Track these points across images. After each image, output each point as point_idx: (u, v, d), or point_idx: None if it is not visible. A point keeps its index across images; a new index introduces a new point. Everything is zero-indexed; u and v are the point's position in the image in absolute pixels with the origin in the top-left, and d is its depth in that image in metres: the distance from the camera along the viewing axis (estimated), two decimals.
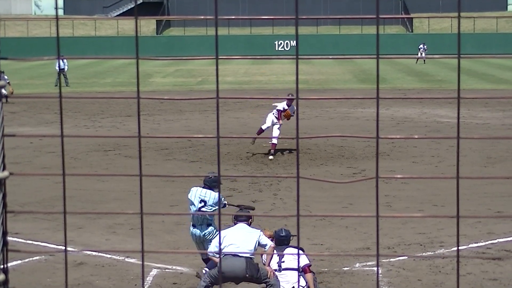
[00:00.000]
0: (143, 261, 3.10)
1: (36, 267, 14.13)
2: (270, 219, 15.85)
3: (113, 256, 14.62)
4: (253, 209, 13.85)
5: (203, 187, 13.55)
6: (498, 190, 19.43)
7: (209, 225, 13.57)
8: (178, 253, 15.59)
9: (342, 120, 32.25)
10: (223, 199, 13.95)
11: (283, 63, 64.65)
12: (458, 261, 3.04)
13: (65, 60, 48.83)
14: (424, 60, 64.46)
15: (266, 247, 12.09)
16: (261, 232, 12.23)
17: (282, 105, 24.06)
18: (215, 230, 13.52)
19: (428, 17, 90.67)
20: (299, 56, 2.89)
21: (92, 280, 13.49)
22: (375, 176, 3.02)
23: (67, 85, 47.16)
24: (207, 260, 13.31)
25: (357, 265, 14.15)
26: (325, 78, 53.28)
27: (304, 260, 11.93)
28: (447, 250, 14.92)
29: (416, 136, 28.37)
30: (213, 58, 2.97)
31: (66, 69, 48.69)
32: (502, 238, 15.63)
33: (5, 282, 2.78)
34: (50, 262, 14.35)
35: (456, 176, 3.02)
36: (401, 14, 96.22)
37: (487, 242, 15.34)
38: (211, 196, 13.46)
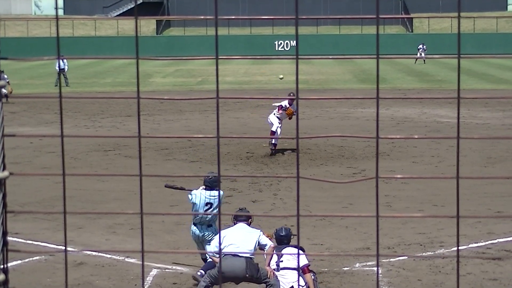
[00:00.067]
0: (143, 261, 3.10)
1: (36, 267, 14.13)
2: (270, 219, 15.85)
3: (113, 256, 14.62)
4: (183, 189, 13.83)
5: (205, 189, 13.54)
6: (498, 190, 19.43)
7: (209, 226, 13.58)
8: (178, 253, 15.58)
9: (342, 120, 32.25)
10: (212, 200, 13.85)
11: (283, 63, 64.65)
12: (458, 261, 3.04)
13: (65, 60, 48.81)
14: (424, 60, 64.45)
15: (266, 247, 12.09)
16: (261, 232, 12.23)
17: (284, 103, 24.09)
18: (215, 231, 13.52)
19: (428, 17, 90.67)
20: (299, 56, 2.89)
21: (92, 280, 13.49)
22: (375, 176, 3.02)
23: (67, 85, 47.16)
24: (206, 259, 13.33)
25: (357, 265, 14.15)
26: (325, 78, 53.28)
27: (303, 260, 11.92)
28: (447, 250, 14.92)
29: (416, 136, 28.37)
30: (213, 58, 2.97)
31: (66, 69, 48.69)
32: (502, 238, 15.63)
33: (5, 282, 2.78)
34: (50, 262, 14.35)
35: (456, 176, 3.02)
36: (401, 14, 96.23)
37: (487, 242, 15.34)
38: (216, 197, 13.46)
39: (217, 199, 13.47)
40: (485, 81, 48.86)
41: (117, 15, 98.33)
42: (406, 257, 14.33)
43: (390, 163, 22.95)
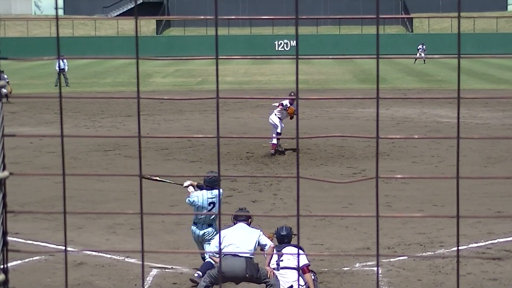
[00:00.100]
0: (143, 261, 3.10)
1: (36, 267, 14.13)
2: (270, 219, 15.85)
3: (113, 256, 14.62)
4: (162, 181, 13.86)
5: (206, 189, 13.56)
6: (498, 190, 19.43)
7: (210, 225, 13.60)
8: (178, 253, 15.59)
9: (342, 120, 32.25)
10: (215, 200, 13.87)
11: (283, 63, 64.65)
12: (458, 261, 3.04)
13: (65, 60, 48.84)
14: (424, 60, 64.46)
15: (266, 247, 12.09)
16: (261, 232, 12.23)
17: (285, 103, 24.06)
18: (214, 231, 13.53)
19: (428, 17, 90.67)
20: (299, 56, 2.89)
21: (92, 280, 13.49)
22: (375, 176, 3.02)
23: (67, 85, 47.16)
24: (205, 259, 13.36)
25: (357, 265, 14.15)
26: (325, 78, 53.28)
27: (303, 260, 11.92)
28: (447, 250, 14.92)
29: (416, 136, 28.37)
30: (213, 58, 2.97)
31: (66, 69, 48.69)
32: (502, 238, 15.63)
33: (5, 282, 2.78)
34: (50, 262, 14.35)
35: (456, 176, 3.02)
36: (401, 14, 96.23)
37: (487, 242, 15.34)
38: (216, 198, 13.52)
39: (216, 199, 13.54)
40: (485, 81, 48.86)
41: (117, 15, 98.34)
42: (406, 257, 14.33)
43: (390, 163, 22.95)
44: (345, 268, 13.94)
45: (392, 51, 76.33)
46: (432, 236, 15.73)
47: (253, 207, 17.54)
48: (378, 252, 3.00)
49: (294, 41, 79.66)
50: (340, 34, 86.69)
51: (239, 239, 11.98)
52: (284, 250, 12.05)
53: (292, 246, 12.09)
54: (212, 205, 13.52)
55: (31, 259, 14.38)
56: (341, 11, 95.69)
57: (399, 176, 22.60)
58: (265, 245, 12.10)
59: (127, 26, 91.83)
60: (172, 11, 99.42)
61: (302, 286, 12.10)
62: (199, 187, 13.85)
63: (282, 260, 12.01)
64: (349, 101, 36.74)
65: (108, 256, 14.66)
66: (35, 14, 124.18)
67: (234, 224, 12.38)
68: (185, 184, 13.85)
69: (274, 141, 24.04)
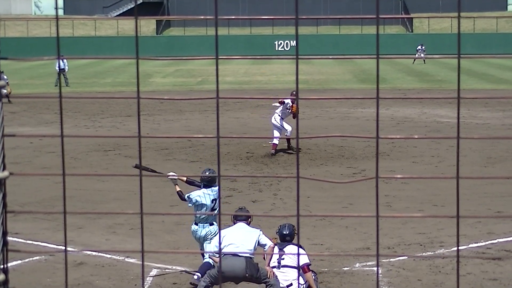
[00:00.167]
0: (143, 261, 3.10)
1: (36, 267, 14.13)
2: (270, 219, 15.85)
3: (113, 256, 14.62)
4: (154, 171, 13.86)
5: (206, 188, 13.58)
6: (498, 190, 19.43)
7: (211, 224, 13.62)
8: (178, 253, 15.58)
9: (342, 120, 32.25)
10: (216, 196, 13.90)
11: (283, 63, 64.66)
12: (458, 261, 3.04)
13: (65, 60, 48.83)
14: (424, 60, 64.47)
15: (266, 247, 12.10)
16: (261, 232, 12.23)
17: (287, 101, 24.00)
18: (216, 230, 13.54)
19: (428, 17, 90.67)
20: (299, 56, 2.89)
21: (92, 280, 13.49)
22: (375, 176, 3.02)
23: (67, 85, 47.16)
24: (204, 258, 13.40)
25: (357, 265, 14.15)
26: (325, 78, 53.28)
27: (303, 260, 11.93)
28: (447, 250, 14.92)
29: (416, 136, 28.38)
30: (213, 58, 2.97)
31: (66, 70, 48.70)
32: (502, 238, 15.63)
33: (5, 282, 2.78)
34: (50, 262, 14.35)
35: (456, 176, 3.02)
36: (401, 14, 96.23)
37: (487, 242, 15.34)
38: (217, 194, 13.61)
39: (216, 195, 13.62)
40: (485, 81, 48.86)
41: (117, 15, 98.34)
42: (406, 257, 14.33)
43: (390, 163, 22.95)
44: (345, 268, 13.94)
45: (392, 51, 76.34)
46: (432, 236, 15.73)
47: (253, 207, 17.54)
48: (378, 252, 3.00)
49: (294, 41, 79.66)
50: (340, 34, 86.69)
51: (239, 239, 11.98)
52: (285, 249, 12.05)
53: (294, 245, 12.09)
54: (214, 201, 13.58)
55: (31, 259, 14.38)
56: (341, 11, 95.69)
57: (399, 176, 22.60)
58: (265, 245, 12.10)
59: (127, 26, 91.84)
60: (172, 11, 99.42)
61: (302, 285, 12.11)
62: (190, 183, 13.89)
63: (283, 259, 12.01)
64: (349, 101, 36.74)
65: (108, 256, 14.66)
66: (35, 14, 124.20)
67: (234, 223, 12.38)
68: (170, 174, 13.84)
69: (275, 141, 24.03)
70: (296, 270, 11.95)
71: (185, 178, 13.98)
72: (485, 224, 16.36)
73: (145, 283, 13.35)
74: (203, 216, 13.45)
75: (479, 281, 13.21)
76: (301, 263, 11.94)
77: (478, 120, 31.46)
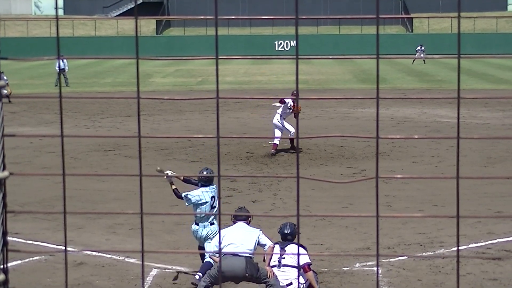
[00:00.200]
0: (143, 261, 3.10)
1: (36, 267, 14.13)
2: (270, 219, 15.85)
3: (113, 256, 14.62)
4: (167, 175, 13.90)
5: (203, 186, 13.65)
6: (498, 190, 19.43)
7: (212, 224, 13.65)
8: (178, 253, 15.59)
9: (342, 120, 32.25)
10: (214, 193, 13.96)
11: (283, 63, 64.66)
12: (458, 261, 3.04)
13: (65, 60, 48.83)
14: (424, 60, 64.48)
15: (265, 246, 12.10)
16: (261, 231, 12.24)
17: (288, 101, 23.98)
18: (217, 229, 13.56)
19: (428, 17, 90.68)
20: (299, 56, 2.89)
21: (92, 280, 13.49)
22: (375, 176, 3.02)
23: (67, 85, 47.16)
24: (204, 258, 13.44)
25: (357, 265, 14.15)
26: (325, 78, 53.29)
27: (304, 259, 11.92)
28: (447, 250, 14.92)
29: (416, 136, 28.38)
30: (213, 58, 2.97)
31: (66, 69, 48.70)
32: (502, 238, 15.63)
33: (5, 282, 2.78)
34: (50, 262, 14.35)
35: (456, 176, 3.02)
36: (401, 14, 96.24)
37: (487, 242, 15.34)
38: (215, 189, 13.69)
39: (215, 192, 13.73)
40: (485, 81, 48.86)
41: (117, 15, 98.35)
42: (406, 257, 14.33)
43: (390, 163, 22.95)
44: (345, 268, 13.94)
45: (392, 51, 76.35)
46: (432, 236, 15.73)
47: (253, 207, 17.54)
48: (378, 252, 3.00)
49: (294, 41, 79.67)
50: (340, 34, 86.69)
51: (239, 239, 11.98)
52: (287, 248, 12.04)
53: (296, 244, 12.07)
54: (213, 198, 13.66)
55: (31, 259, 14.38)
56: (341, 11, 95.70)
57: (399, 176, 22.60)
58: (265, 245, 12.10)
59: (127, 26, 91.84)
60: (172, 11, 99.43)
61: (302, 284, 12.11)
62: (187, 181, 13.94)
63: (284, 258, 12.01)
64: (349, 101, 36.74)
65: (108, 256, 14.66)
66: (35, 14, 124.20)
67: (234, 223, 12.39)
68: (168, 172, 13.85)
69: (276, 141, 24.02)
70: (296, 270, 11.95)
71: (182, 177, 14.02)
72: (485, 224, 16.36)
73: (145, 283, 13.35)
74: (204, 215, 13.50)
75: (479, 281, 13.21)
76: (302, 263, 11.94)
77: (478, 120, 31.46)
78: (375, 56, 2.94)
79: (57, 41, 3.05)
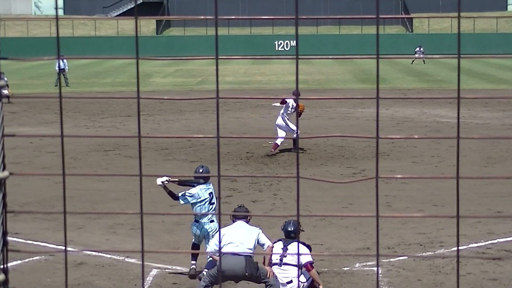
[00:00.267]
0: (143, 261, 3.10)
1: (36, 267, 14.13)
2: (270, 219, 15.85)
3: (113, 256, 14.62)
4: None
5: (201, 184, 13.74)
6: (498, 190, 19.43)
7: (211, 221, 13.70)
8: (178, 253, 15.58)
9: (342, 120, 32.25)
10: (212, 190, 14.01)
11: (283, 63, 64.66)
12: (458, 261, 3.04)
13: (65, 60, 48.83)
14: (424, 61, 64.48)
15: (264, 246, 12.09)
16: (260, 230, 12.24)
17: (292, 102, 23.98)
18: (215, 227, 13.60)
19: (428, 17, 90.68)
20: (299, 56, 2.89)
21: (92, 280, 13.49)
22: (375, 176, 3.02)
23: (67, 85, 47.16)
24: (195, 246, 13.60)
25: (357, 265, 14.14)
26: (325, 78, 53.29)
27: (306, 258, 11.91)
28: (447, 250, 14.92)
29: (416, 136, 28.38)
30: (213, 58, 2.97)
31: (66, 70, 48.69)
32: (502, 238, 15.62)
33: (5, 282, 2.78)
34: (50, 262, 14.35)
35: (456, 176, 3.02)
36: (401, 14, 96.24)
37: (487, 242, 15.34)
38: (211, 187, 13.74)
39: (212, 188, 13.82)
40: (485, 81, 48.86)
41: (117, 15, 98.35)
42: (406, 257, 14.33)
43: (390, 163, 22.95)
44: (345, 268, 13.94)
45: (392, 51, 76.35)
46: (432, 236, 15.73)
47: (253, 207, 17.54)
48: (378, 252, 3.00)
49: (294, 41, 79.68)
50: (340, 34, 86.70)
51: (238, 238, 11.98)
52: (290, 246, 12.02)
53: (299, 242, 12.06)
54: (211, 195, 13.72)
55: (31, 259, 14.38)
56: (341, 11, 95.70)
57: (399, 176, 22.60)
58: (264, 244, 12.10)
59: (127, 26, 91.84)
60: (172, 11, 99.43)
61: (303, 283, 12.11)
62: (183, 184, 13.97)
63: (285, 256, 12.00)
64: (349, 101, 36.74)
65: (108, 256, 14.66)
66: (35, 14, 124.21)
67: (233, 222, 12.40)
68: (158, 182, 13.85)
69: (278, 141, 24.01)
70: (297, 268, 11.96)
71: (177, 180, 14.03)
72: (485, 224, 16.36)
73: (145, 283, 13.35)
74: (204, 211, 13.58)
75: (479, 281, 13.21)
76: (304, 261, 11.93)
77: (478, 120, 31.46)
78: (375, 56, 2.94)
79: (57, 41, 3.06)
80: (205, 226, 13.66)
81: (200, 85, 49.42)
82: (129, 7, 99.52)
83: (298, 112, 23.83)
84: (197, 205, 13.68)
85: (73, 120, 32.60)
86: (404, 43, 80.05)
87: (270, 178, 20.67)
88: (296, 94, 23.99)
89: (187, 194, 13.63)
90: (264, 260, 12.30)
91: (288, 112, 24.13)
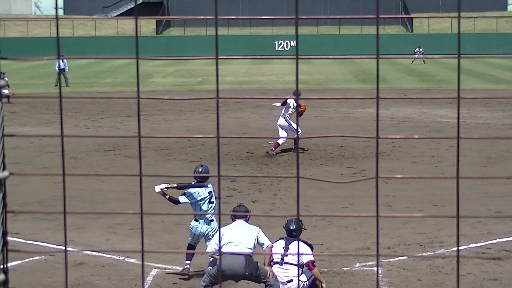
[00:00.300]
0: (143, 261, 3.10)
1: (36, 267, 14.13)
2: (270, 219, 15.85)
3: (113, 256, 14.62)
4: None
5: (201, 183, 13.76)
6: (498, 190, 19.43)
7: (211, 220, 13.71)
8: (178, 253, 15.58)
9: (342, 120, 32.25)
10: (211, 189, 14.04)
11: (283, 63, 64.66)
12: (458, 261, 3.04)
13: (65, 60, 48.82)
14: (424, 61, 64.48)
15: (264, 246, 12.08)
16: (260, 229, 12.23)
17: (292, 102, 23.97)
18: (215, 227, 13.61)
19: (428, 17, 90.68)
20: (299, 56, 2.89)
21: (92, 280, 13.49)
22: (375, 176, 3.02)
23: (67, 85, 47.16)
24: (190, 247, 13.63)
25: (357, 265, 14.14)
26: (325, 78, 53.29)
27: (308, 257, 11.90)
28: (447, 250, 14.92)
29: (416, 136, 28.38)
30: (213, 58, 2.97)
31: (66, 69, 48.69)
32: (502, 238, 15.62)
33: (5, 282, 2.78)
34: (50, 262, 14.35)
35: (456, 176, 3.02)
36: (401, 14, 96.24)
37: (487, 242, 15.34)
38: (210, 186, 13.79)
39: (211, 188, 13.84)
40: (485, 81, 48.86)
41: (117, 15, 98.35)
42: (406, 257, 14.33)
43: (390, 163, 22.94)
44: (345, 268, 13.94)
45: (392, 51, 76.35)
46: (432, 236, 15.73)
47: (253, 207, 17.53)
48: (378, 252, 3.00)
49: (294, 41, 79.67)
50: (340, 34, 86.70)
51: (238, 237, 11.98)
52: (291, 245, 12.01)
53: (299, 241, 12.03)
54: (210, 193, 13.74)
55: (31, 259, 14.38)
56: (341, 11, 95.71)
57: (399, 176, 22.60)
58: (263, 244, 12.08)
59: (127, 26, 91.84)
60: (172, 11, 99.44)
61: (303, 282, 12.10)
62: (182, 188, 13.97)
63: (287, 255, 11.99)
64: (349, 101, 36.74)
65: (108, 256, 14.66)
66: (35, 14, 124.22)
67: (233, 221, 12.40)
68: (157, 190, 13.89)
69: (280, 141, 24.02)
70: (297, 268, 11.95)
71: (174, 185, 14.04)
72: (485, 224, 16.35)
73: (145, 283, 13.35)
74: (203, 210, 13.61)
75: (479, 281, 13.21)
76: (305, 261, 11.92)
77: (478, 120, 31.46)
78: (375, 56, 2.94)
79: (57, 41, 3.06)
80: (204, 226, 13.67)
81: (200, 85, 49.42)
82: (129, 7, 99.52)
83: (299, 112, 23.96)
84: (196, 204, 13.70)
85: (73, 120, 32.60)
86: (404, 43, 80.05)
87: (270, 178, 20.66)
88: (297, 94, 23.94)
89: (187, 193, 13.67)
90: (264, 260, 12.29)
91: (290, 112, 24.13)
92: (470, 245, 15.10)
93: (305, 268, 12.10)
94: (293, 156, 23.96)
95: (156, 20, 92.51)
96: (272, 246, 12.09)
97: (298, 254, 12.32)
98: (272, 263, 12.13)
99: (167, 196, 13.73)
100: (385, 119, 31.41)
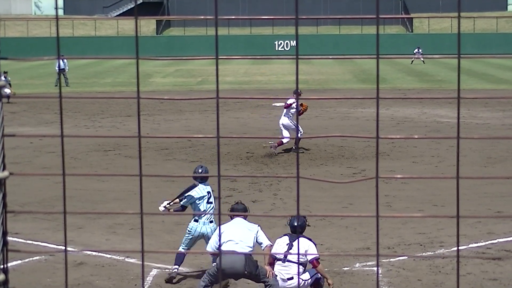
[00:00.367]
0: (143, 261, 3.10)
1: (36, 267, 14.13)
2: (270, 219, 15.85)
3: (113, 256, 14.62)
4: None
5: (200, 183, 13.79)
6: (498, 190, 19.43)
7: (211, 221, 13.73)
8: (178, 253, 15.57)
9: (342, 120, 32.25)
10: (209, 189, 14.08)
11: (283, 63, 64.66)
12: (458, 261, 3.04)
13: (65, 60, 48.82)
14: (424, 61, 64.49)
15: (262, 245, 12.07)
16: (259, 228, 12.22)
17: (291, 102, 23.98)
18: (215, 228, 13.62)
19: (428, 17, 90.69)
20: (299, 56, 2.89)
21: (92, 280, 13.49)
22: (375, 176, 3.02)
23: (67, 85, 47.16)
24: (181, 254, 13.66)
25: (357, 265, 14.14)
26: (325, 78, 53.29)
27: (313, 254, 11.87)
28: (447, 250, 14.92)
29: (416, 136, 28.38)
30: (213, 58, 2.97)
31: (66, 69, 48.69)
32: (502, 238, 15.62)
33: (5, 282, 2.78)
34: (50, 262, 14.35)
35: (456, 176, 3.02)
36: (401, 14, 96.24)
37: (487, 242, 15.33)
38: (210, 187, 13.87)
39: (210, 188, 13.91)
40: (485, 81, 48.86)
41: (117, 15, 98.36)
42: (406, 257, 14.32)
43: (390, 163, 22.94)
44: (345, 268, 13.94)
45: (392, 51, 76.36)
46: (432, 236, 15.73)
47: (253, 207, 17.53)
48: (378, 252, 3.00)
49: (294, 41, 79.68)
50: (340, 34, 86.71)
51: (238, 235, 11.97)
52: (295, 243, 11.99)
53: (305, 238, 11.99)
54: (209, 193, 13.77)
55: (31, 259, 14.37)
56: (341, 11, 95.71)
57: (399, 176, 22.60)
58: (262, 243, 12.07)
59: (127, 26, 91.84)
60: (172, 11, 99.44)
61: (305, 280, 12.08)
62: (181, 195, 13.99)
63: (289, 253, 11.98)
64: (349, 101, 36.74)
65: (108, 256, 14.66)
66: (35, 14, 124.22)
67: (232, 219, 12.40)
68: (161, 209, 13.97)
69: (285, 140, 24.05)
70: (300, 266, 11.94)
71: (176, 199, 14.05)
72: (485, 224, 16.35)
73: (145, 283, 13.35)
74: (203, 210, 13.63)
75: (479, 281, 13.21)
76: (310, 258, 11.89)
77: (478, 120, 31.46)
78: (375, 56, 2.94)
79: (57, 41, 3.06)
80: (204, 226, 13.66)
81: (200, 85, 49.43)
82: (129, 7, 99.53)
83: (300, 111, 23.98)
84: (195, 204, 13.73)
85: (73, 120, 32.60)
86: (404, 43, 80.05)
87: (270, 178, 20.66)
88: (297, 94, 23.87)
89: (186, 196, 13.72)
90: (264, 259, 12.27)
91: (292, 112, 24.17)
92: (470, 245, 15.10)
93: (308, 266, 12.08)
94: (293, 156, 23.97)
95: (156, 20, 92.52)
96: (271, 246, 12.07)
97: (298, 253, 12.31)
98: (272, 262, 12.12)
99: (171, 210, 13.82)
100: (385, 119, 31.41)
